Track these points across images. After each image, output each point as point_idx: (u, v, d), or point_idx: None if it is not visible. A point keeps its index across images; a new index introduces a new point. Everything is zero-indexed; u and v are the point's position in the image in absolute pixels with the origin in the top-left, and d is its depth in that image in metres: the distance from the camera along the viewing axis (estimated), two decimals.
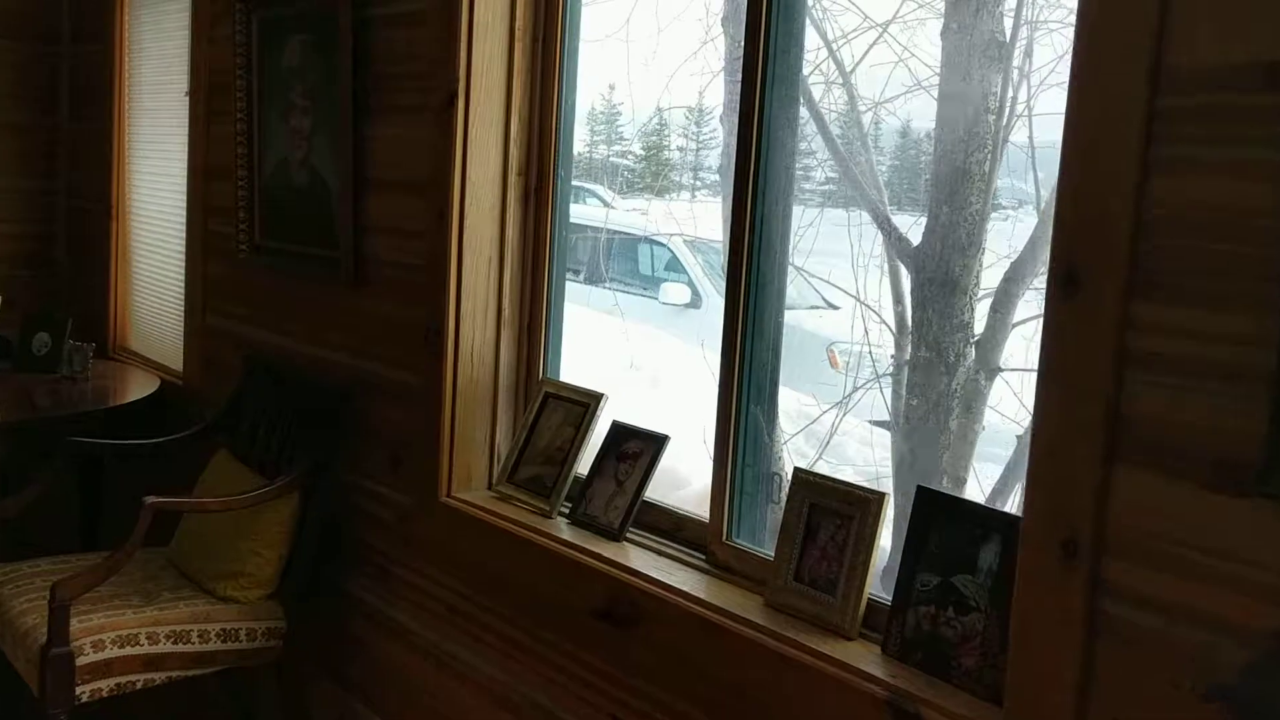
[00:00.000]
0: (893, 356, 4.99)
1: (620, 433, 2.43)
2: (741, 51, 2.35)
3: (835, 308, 4.50)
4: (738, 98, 3.35)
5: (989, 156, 2.99)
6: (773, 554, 2.03)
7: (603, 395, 2.48)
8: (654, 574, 2.13)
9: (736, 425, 2.13)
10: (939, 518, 1.78)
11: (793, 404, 4.08)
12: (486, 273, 2.63)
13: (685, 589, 2.07)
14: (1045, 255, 2.92)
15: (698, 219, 4.55)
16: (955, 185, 2.99)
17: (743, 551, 2.12)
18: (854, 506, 1.91)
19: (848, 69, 3.52)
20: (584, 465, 2.48)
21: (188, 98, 3.65)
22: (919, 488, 1.82)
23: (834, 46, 3.76)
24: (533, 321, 2.66)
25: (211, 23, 3.49)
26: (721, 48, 3.33)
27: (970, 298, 3.01)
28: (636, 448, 2.37)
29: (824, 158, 4.00)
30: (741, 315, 2.11)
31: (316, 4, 2.97)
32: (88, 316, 4.31)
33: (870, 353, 4.48)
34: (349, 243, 2.90)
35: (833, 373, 4.28)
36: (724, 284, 7.32)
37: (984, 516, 1.75)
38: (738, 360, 2.12)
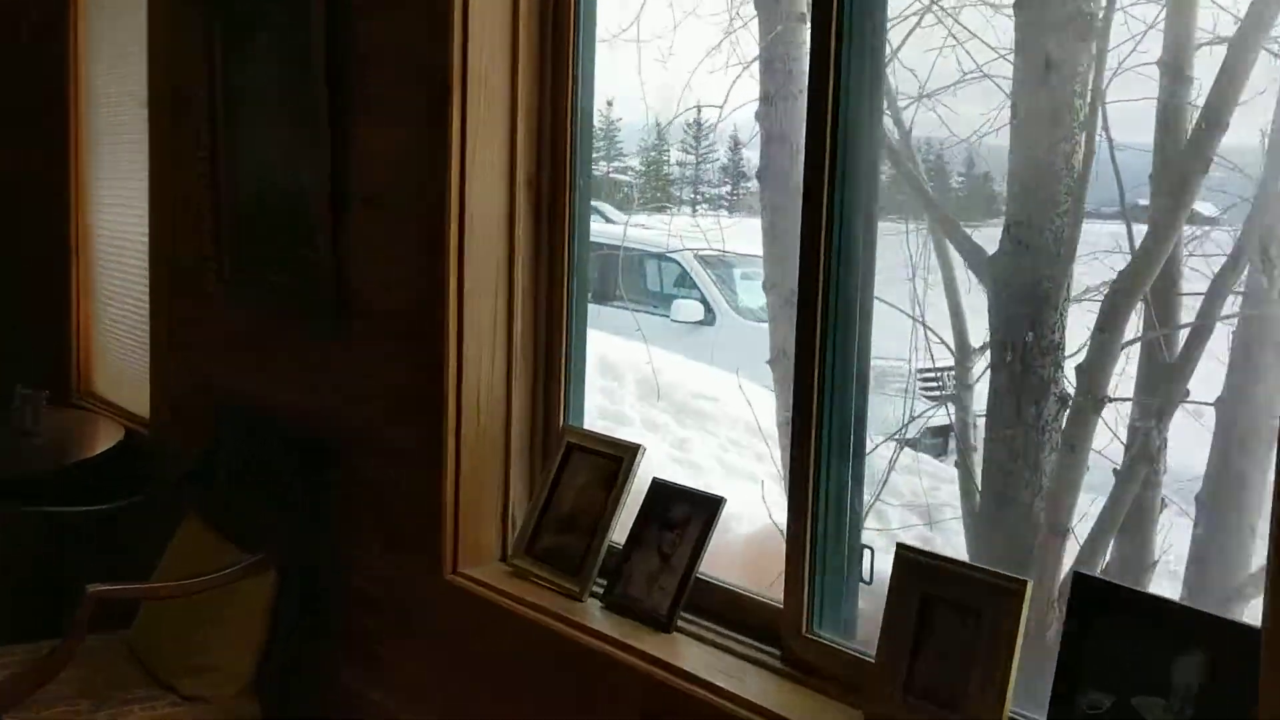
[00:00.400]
0: (951, 377, 4.49)
1: (663, 494, 1.98)
2: (779, 30, 1.93)
3: None
4: (776, 90, 2.94)
5: (1077, 149, 2.56)
6: (869, 652, 1.58)
7: (639, 447, 2.04)
8: (715, 678, 1.69)
9: (815, 490, 1.69)
10: (1109, 616, 1.34)
11: None
12: (493, 302, 2.20)
13: (756, 699, 1.63)
14: (1157, 265, 2.49)
15: (723, 230, 4.10)
16: (1038, 183, 2.56)
17: (829, 648, 1.68)
18: (983, 597, 1.47)
19: (884, 57, 3.09)
20: (618, 532, 2.03)
21: (146, 111, 3.22)
22: (1077, 575, 1.38)
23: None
24: (550, 358, 2.22)
25: (169, 25, 3.07)
26: (755, 32, 2.92)
27: (1060, 314, 2.57)
28: (684, 513, 1.93)
29: None
30: (819, 352, 1.67)
31: None
32: (51, 358, 3.88)
33: (941, 377, 4.01)
34: (329, 270, 2.47)
35: None
36: (740, 300, 6.78)
37: (1181, 618, 1.31)
38: (815, 408, 1.68)
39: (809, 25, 3.00)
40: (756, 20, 2.89)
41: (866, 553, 1.72)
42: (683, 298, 7.12)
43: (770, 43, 2.77)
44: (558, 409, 2.21)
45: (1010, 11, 3.09)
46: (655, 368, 4.08)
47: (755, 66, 3.46)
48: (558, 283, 2.22)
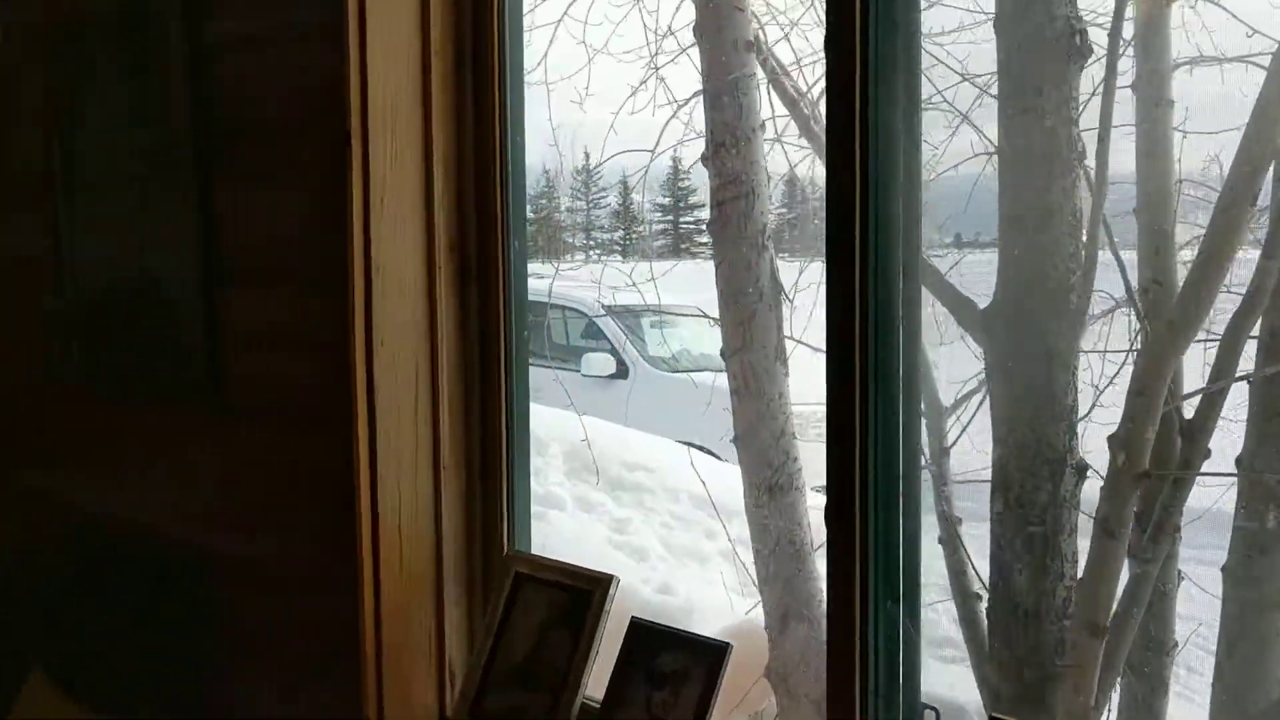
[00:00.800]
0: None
1: (646, 639, 1.56)
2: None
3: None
4: (726, 128, 2.58)
5: (1078, 183, 2.25)
6: None
7: (611, 579, 1.61)
8: None
9: (863, 638, 1.30)
10: None
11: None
12: (413, 395, 1.77)
13: None
14: (1204, 316, 2.18)
15: (656, 280, 3.70)
16: (1037, 225, 2.24)
17: None
18: None
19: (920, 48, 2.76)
20: (594, 683, 1.60)
21: None
22: None
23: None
24: (487, 464, 1.79)
25: None
26: (697, 61, 2.56)
27: (1073, 372, 2.24)
28: (677, 664, 1.51)
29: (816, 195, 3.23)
30: (859, 447, 1.29)
31: (134, 30, 2.09)
32: None
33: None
34: (203, 361, 2.00)
35: None
36: (650, 349, 6.34)
37: None
38: (858, 527, 1.29)
39: (755, 55, 2.69)
40: (698, 50, 2.53)
41: (929, 715, 1.33)
42: (592, 350, 6.69)
43: (717, 75, 2.41)
44: (500, 526, 1.78)
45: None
46: (585, 437, 3.66)
47: (692, 107, 3.11)
48: (493, 367, 1.80)
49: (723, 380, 3.79)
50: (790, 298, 2.50)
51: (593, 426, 4.31)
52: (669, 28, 2.72)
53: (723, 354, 2.51)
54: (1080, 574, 2.32)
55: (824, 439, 1.33)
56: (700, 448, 5.39)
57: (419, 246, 1.77)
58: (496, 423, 1.78)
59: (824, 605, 2.57)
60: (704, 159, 2.52)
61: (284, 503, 1.88)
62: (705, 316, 3.05)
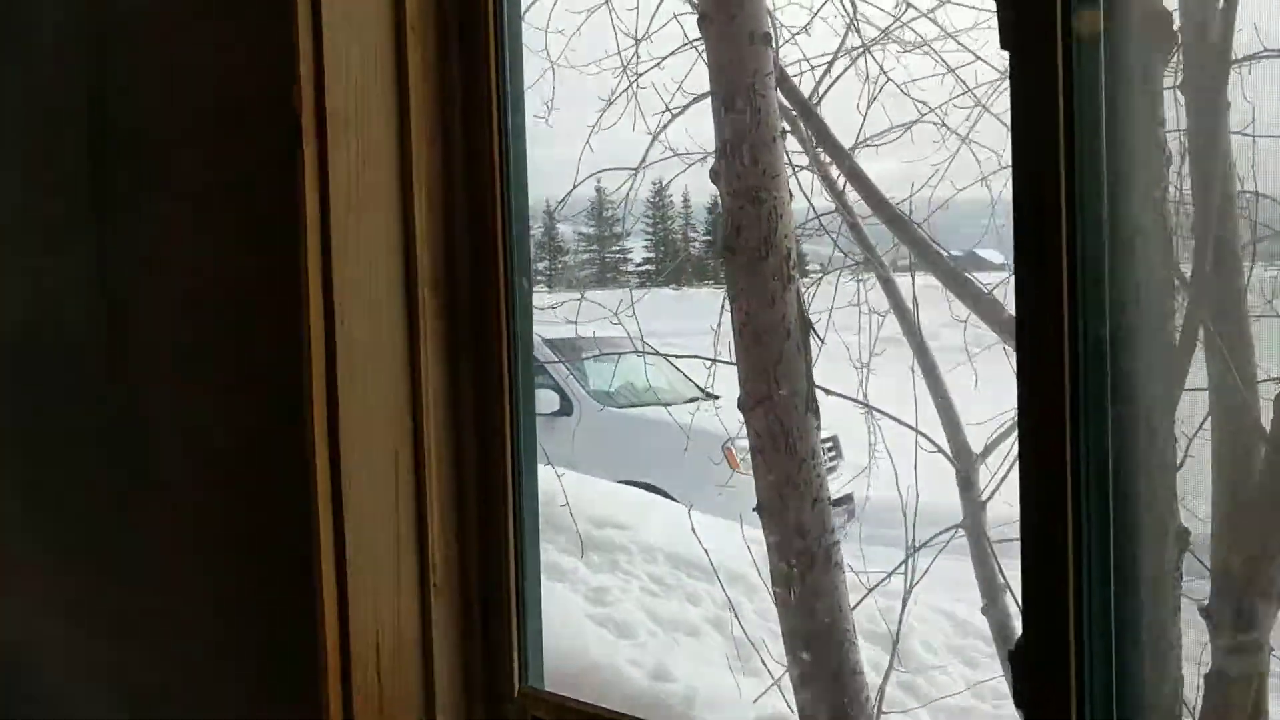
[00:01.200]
0: (827, 448, 3.86)
1: None
2: None
3: (714, 396, 3.45)
4: (738, 135, 2.18)
5: (1169, 192, 1.91)
6: None
7: None
8: None
9: None
10: None
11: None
12: (392, 486, 1.33)
13: None
14: None
15: (635, 304, 3.29)
16: (1129, 247, 1.89)
17: None
18: None
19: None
20: None
21: None
22: None
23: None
24: (489, 576, 1.36)
25: None
26: (677, 68, 2.17)
27: (1172, 423, 1.89)
28: None
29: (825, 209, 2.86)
30: (1073, 565, 0.91)
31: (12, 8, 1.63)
32: None
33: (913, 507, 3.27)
34: (104, 431, 1.54)
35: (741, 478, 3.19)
36: (593, 385, 5.85)
37: None
38: (1073, 676, 0.90)
39: (771, 48, 2.32)
40: (704, 46, 2.13)
41: None
42: (535, 387, 6.24)
43: (729, 73, 2.02)
44: (509, 658, 1.34)
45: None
46: (565, 501, 3.20)
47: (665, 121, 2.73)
48: (495, 444, 1.37)
49: (694, 418, 3.39)
50: (821, 337, 2.11)
51: (549, 475, 3.87)
52: (677, 14, 2.32)
53: (740, 405, 2.10)
54: (1180, 666, 1.96)
55: None
56: (658, 490, 4.98)
57: (394, 282, 1.34)
58: (501, 519, 1.34)
59: (873, 703, 2.19)
60: (712, 174, 2.12)
61: (218, 638, 1.42)
62: (708, 359, 2.65)
